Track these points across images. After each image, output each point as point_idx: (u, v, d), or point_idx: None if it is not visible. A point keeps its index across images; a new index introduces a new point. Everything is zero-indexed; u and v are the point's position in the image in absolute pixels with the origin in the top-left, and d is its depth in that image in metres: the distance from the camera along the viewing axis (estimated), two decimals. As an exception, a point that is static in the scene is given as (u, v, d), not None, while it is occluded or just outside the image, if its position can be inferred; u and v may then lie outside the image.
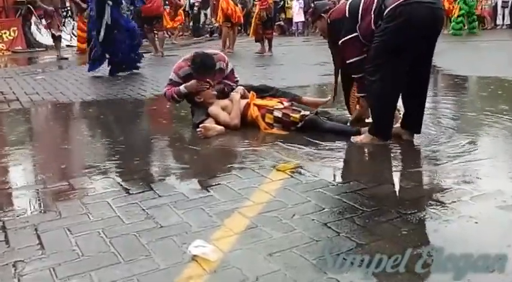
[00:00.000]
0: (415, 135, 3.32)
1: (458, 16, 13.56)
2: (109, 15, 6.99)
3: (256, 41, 10.59)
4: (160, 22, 10.31)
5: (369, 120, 3.42)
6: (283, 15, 19.39)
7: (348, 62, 3.32)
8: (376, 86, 3.12)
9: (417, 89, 3.26)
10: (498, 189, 2.40)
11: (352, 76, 3.38)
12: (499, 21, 16.53)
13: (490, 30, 15.34)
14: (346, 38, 3.24)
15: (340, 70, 3.65)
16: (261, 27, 10.18)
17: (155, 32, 10.40)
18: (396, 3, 2.98)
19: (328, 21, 3.40)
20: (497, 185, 2.46)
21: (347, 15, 3.22)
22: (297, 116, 3.64)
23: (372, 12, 3.09)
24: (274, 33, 11.28)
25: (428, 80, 3.33)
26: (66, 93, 6.06)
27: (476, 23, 14.27)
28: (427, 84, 3.31)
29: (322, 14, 3.55)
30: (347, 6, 3.25)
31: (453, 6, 13.76)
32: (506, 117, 3.96)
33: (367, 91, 3.24)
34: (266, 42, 10.37)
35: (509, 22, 16.06)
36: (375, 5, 3.09)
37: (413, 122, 3.31)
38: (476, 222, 2.07)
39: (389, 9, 3.00)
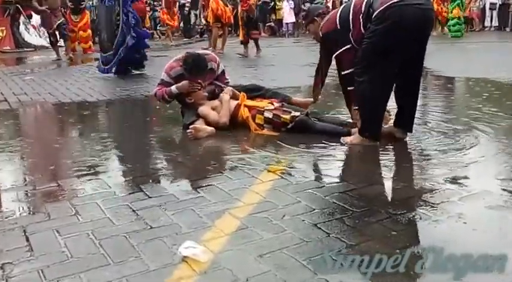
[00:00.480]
0: (407, 133, 3.35)
1: (453, 18, 13.75)
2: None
3: (241, 43, 10.56)
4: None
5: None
6: (273, 16, 19.42)
7: (342, 73, 3.32)
8: (364, 87, 3.13)
9: (409, 90, 3.29)
10: (486, 189, 2.42)
11: (348, 89, 3.35)
12: (487, 23, 16.71)
13: (478, 32, 15.49)
14: (340, 51, 3.24)
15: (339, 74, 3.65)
16: (244, 29, 10.14)
17: None
18: (385, 6, 2.98)
19: (321, 35, 3.40)
20: (486, 185, 2.49)
21: (338, 27, 3.22)
22: (288, 117, 3.65)
23: (361, 17, 3.10)
24: (263, 34, 11.27)
25: (419, 80, 3.35)
26: (55, 94, 6.02)
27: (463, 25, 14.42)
28: (418, 84, 3.34)
29: (315, 18, 3.57)
30: (337, 18, 3.24)
31: (441, 8, 13.88)
32: (495, 118, 4.00)
33: (356, 92, 3.23)
34: (253, 44, 10.34)
35: (497, 24, 16.22)
36: (362, 9, 3.10)
37: (406, 121, 3.34)
38: (465, 222, 2.09)
39: (377, 11, 3.01)
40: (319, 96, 3.96)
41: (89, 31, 12.33)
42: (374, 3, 3.05)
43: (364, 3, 3.11)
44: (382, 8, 2.99)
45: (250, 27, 10.18)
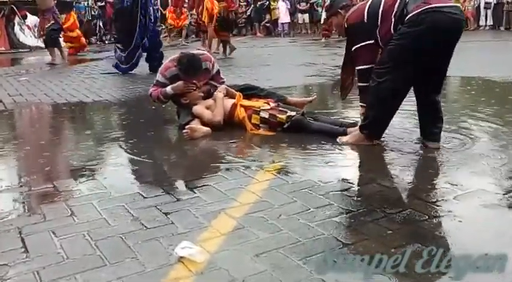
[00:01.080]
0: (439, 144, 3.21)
1: None
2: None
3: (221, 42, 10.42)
4: None
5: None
6: (268, 16, 19.41)
7: (357, 68, 3.28)
8: (383, 88, 3.05)
9: (430, 100, 3.18)
10: (481, 188, 2.44)
11: (358, 84, 3.31)
12: (481, 22, 16.74)
13: (472, 31, 15.53)
14: (360, 45, 3.17)
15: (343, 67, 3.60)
16: (217, 27, 9.91)
17: None
18: (420, 10, 2.90)
19: (346, 25, 3.29)
20: (481, 184, 2.50)
21: (365, 20, 3.11)
22: (284, 116, 3.65)
23: (393, 16, 3.01)
24: (258, 34, 11.20)
25: (440, 90, 3.22)
26: (51, 95, 6.00)
27: None
28: (439, 94, 3.20)
29: (339, 10, 3.43)
30: (366, 10, 3.12)
31: None
32: (489, 117, 4.02)
33: (371, 91, 3.16)
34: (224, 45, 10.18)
35: (491, 23, 16.27)
36: (396, 8, 3.00)
37: (431, 131, 3.20)
38: (460, 221, 2.10)
39: (412, 14, 2.92)
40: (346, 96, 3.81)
41: (77, 31, 12.28)
42: (409, 4, 2.96)
43: (398, 2, 3.01)
44: (417, 11, 2.91)
45: (222, 27, 9.97)
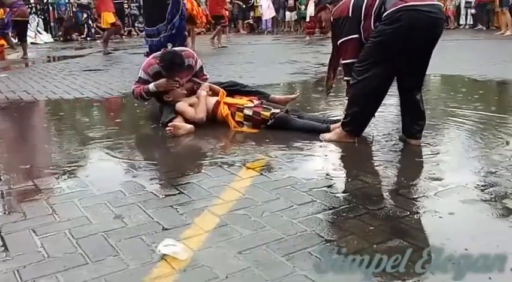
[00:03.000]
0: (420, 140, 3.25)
1: None
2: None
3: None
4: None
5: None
6: (252, 14, 19.40)
7: (342, 62, 3.29)
8: (362, 86, 3.09)
9: (410, 98, 3.21)
10: (461, 184, 2.47)
11: (344, 78, 3.32)
12: (462, 21, 16.95)
13: (453, 30, 15.72)
14: (345, 39, 3.18)
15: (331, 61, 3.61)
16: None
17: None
18: (397, 7, 2.91)
19: (331, 19, 3.30)
20: (461, 180, 2.53)
21: (350, 14, 3.13)
22: (267, 113, 3.66)
23: (373, 12, 3.03)
24: (242, 31, 11.14)
25: (420, 89, 3.25)
26: (31, 92, 5.92)
27: None
28: (419, 92, 3.22)
29: (328, 5, 3.45)
30: (351, 4, 3.14)
31: None
32: (468, 114, 4.08)
33: (351, 89, 3.19)
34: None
35: (472, 22, 16.49)
36: (375, 4, 3.02)
37: (413, 129, 3.23)
38: (440, 217, 2.13)
39: (389, 11, 2.94)
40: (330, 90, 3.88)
41: None
42: (387, 1, 2.98)
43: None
44: (394, 9, 2.92)
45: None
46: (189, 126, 3.68)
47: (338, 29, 3.25)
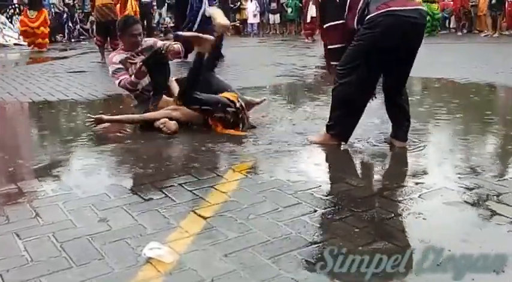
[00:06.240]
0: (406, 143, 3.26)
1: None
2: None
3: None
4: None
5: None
6: (238, 16, 19.43)
7: (329, 47, 3.26)
8: (343, 90, 3.10)
9: (394, 102, 3.24)
10: (444, 186, 2.50)
11: (331, 63, 3.29)
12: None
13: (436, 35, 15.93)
14: (330, 24, 3.16)
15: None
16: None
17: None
18: (378, 12, 2.92)
19: (319, 1, 3.31)
20: (444, 182, 2.56)
21: (338, 0, 3.11)
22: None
23: (357, 11, 3.01)
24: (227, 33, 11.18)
25: (402, 92, 3.25)
26: (14, 94, 5.86)
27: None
28: (401, 96, 3.24)
29: None
30: None
31: None
32: (452, 116, 4.13)
33: (334, 93, 3.20)
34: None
35: (454, 26, 16.72)
36: (361, 4, 3.00)
37: (398, 133, 3.26)
38: (424, 218, 2.15)
39: (371, 15, 2.94)
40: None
41: (45, 29, 12.20)
42: (371, 4, 2.97)
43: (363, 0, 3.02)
44: (376, 13, 2.93)
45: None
46: (174, 122, 3.68)
47: (325, 13, 3.24)
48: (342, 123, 3.23)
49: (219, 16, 4.05)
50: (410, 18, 2.95)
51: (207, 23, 8.05)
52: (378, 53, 2.98)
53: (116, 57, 4.07)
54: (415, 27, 3.01)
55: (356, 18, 3.03)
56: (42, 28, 12.20)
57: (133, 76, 3.91)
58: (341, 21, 3.11)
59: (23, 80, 6.93)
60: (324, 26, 3.23)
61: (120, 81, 3.98)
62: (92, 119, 3.76)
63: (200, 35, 3.94)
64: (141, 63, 3.85)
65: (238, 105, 3.69)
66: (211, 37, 3.93)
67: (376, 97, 3.32)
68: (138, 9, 10.79)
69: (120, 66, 4.00)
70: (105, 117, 3.83)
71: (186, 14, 8.69)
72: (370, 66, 3.03)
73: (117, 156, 3.25)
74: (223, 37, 4.19)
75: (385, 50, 2.97)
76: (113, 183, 2.68)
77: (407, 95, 3.30)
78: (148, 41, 4.21)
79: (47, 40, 12.64)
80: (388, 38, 2.93)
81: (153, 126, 3.76)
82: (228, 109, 3.66)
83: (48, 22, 12.63)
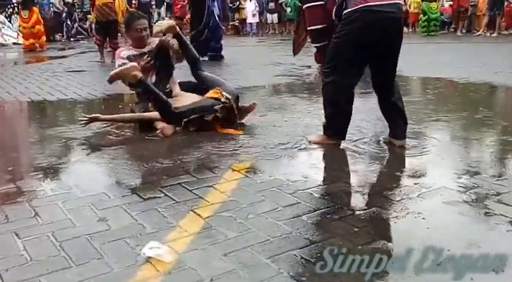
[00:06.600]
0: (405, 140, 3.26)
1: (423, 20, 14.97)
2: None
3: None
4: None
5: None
6: (237, 16, 19.43)
7: (308, 28, 3.25)
8: (329, 88, 3.13)
9: (384, 99, 3.24)
10: (443, 185, 2.50)
11: (313, 46, 3.29)
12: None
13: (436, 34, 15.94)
14: (310, 4, 3.14)
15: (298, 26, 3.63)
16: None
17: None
18: (355, 8, 2.91)
19: None
20: (443, 181, 2.56)
21: None
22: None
23: (337, 2, 3.01)
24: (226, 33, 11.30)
25: (391, 90, 3.21)
26: (13, 93, 5.85)
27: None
28: (391, 93, 3.21)
29: None
30: None
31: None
32: (452, 116, 4.13)
33: (323, 92, 3.22)
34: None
35: (453, 26, 16.73)
36: None
37: (395, 131, 3.25)
38: (423, 218, 2.15)
39: (348, 10, 2.94)
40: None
41: (40, 27, 12.27)
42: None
43: None
44: (353, 8, 2.92)
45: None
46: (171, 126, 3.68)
47: None
48: (334, 123, 3.25)
49: (162, 24, 4.20)
50: (389, 13, 2.94)
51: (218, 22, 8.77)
52: (356, 49, 2.98)
53: (124, 52, 4.12)
54: (393, 23, 3.02)
55: (334, 10, 3.02)
56: (37, 27, 12.26)
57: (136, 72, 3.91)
58: (320, 3, 3.10)
59: (22, 80, 6.93)
60: (304, 7, 3.23)
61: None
62: (86, 119, 3.75)
63: (119, 70, 3.81)
64: (150, 57, 3.89)
65: (223, 99, 3.69)
66: (132, 63, 3.81)
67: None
68: (126, 8, 10.77)
69: (127, 61, 4.01)
70: (101, 116, 3.83)
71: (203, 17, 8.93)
72: (351, 63, 3.03)
73: (116, 155, 3.25)
74: (186, 44, 4.16)
75: (363, 46, 2.97)
76: (112, 182, 2.68)
77: (400, 94, 3.29)
78: (155, 41, 4.20)
79: (44, 38, 12.68)
80: (367, 34, 2.93)
81: (152, 126, 3.76)
82: (216, 107, 3.67)
83: (41, 21, 12.66)
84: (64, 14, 16.73)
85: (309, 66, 7.82)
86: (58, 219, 2.19)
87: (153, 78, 4.04)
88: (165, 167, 2.99)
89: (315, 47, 3.28)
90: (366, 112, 3.36)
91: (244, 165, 2.90)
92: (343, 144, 3.27)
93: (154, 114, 3.77)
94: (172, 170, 2.89)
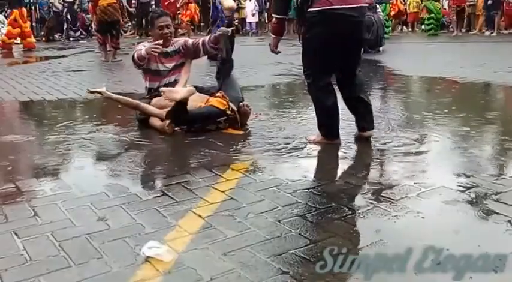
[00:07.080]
0: (373, 130, 3.36)
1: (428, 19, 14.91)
2: None
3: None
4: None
5: None
6: (236, 15, 19.39)
7: (272, 15, 3.37)
8: (312, 90, 3.25)
9: (347, 95, 3.31)
10: (443, 185, 2.50)
11: (273, 15, 3.44)
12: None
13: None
14: None
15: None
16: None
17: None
18: (319, 8, 2.97)
19: None
20: (442, 181, 2.56)
21: None
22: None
23: None
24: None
25: (353, 88, 3.29)
26: (12, 92, 5.84)
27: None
28: (354, 91, 3.29)
29: None
30: None
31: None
32: (450, 115, 4.13)
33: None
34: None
35: (453, 25, 16.74)
36: None
37: (361, 123, 3.33)
38: (423, 217, 2.15)
39: (311, 9, 3.01)
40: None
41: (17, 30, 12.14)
42: None
43: None
44: (317, 9, 2.99)
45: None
46: (187, 89, 3.65)
47: None
48: (323, 122, 3.30)
49: (224, 0, 4.22)
50: (350, 17, 3.01)
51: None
52: (323, 50, 3.08)
53: (145, 43, 4.18)
54: (355, 26, 3.09)
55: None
56: (26, 24, 12.25)
57: (143, 50, 3.91)
58: None
59: (20, 79, 6.92)
60: None
61: (135, 52, 4.03)
62: (93, 90, 3.83)
63: (166, 90, 3.70)
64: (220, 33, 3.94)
65: (229, 111, 3.68)
66: (182, 88, 3.75)
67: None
68: (126, 8, 10.87)
69: (147, 44, 4.03)
70: (107, 92, 3.86)
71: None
72: (323, 65, 3.13)
73: (115, 155, 3.25)
74: (233, 36, 4.09)
75: (328, 48, 3.06)
76: (112, 182, 2.68)
77: (363, 83, 3.38)
78: (179, 41, 4.22)
79: (32, 37, 12.62)
80: (329, 37, 3.02)
81: (149, 124, 3.76)
82: (220, 119, 3.68)
83: (27, 20, 12.57)
84: (64, 14, 16.69)
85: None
86: (57, 219, 2.19)
87: (168, 79, 4.03)
88: (165, 167, 2.99)
89: (275, 17, 3.39)
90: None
91: (243, 165, 2.90)
92: (342, 144, 3.27)
93: (158, 111, 3.77)
94: (172, 169, 2.89)
